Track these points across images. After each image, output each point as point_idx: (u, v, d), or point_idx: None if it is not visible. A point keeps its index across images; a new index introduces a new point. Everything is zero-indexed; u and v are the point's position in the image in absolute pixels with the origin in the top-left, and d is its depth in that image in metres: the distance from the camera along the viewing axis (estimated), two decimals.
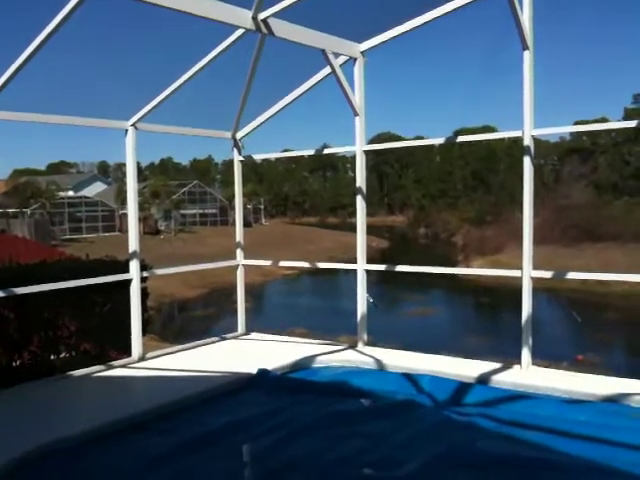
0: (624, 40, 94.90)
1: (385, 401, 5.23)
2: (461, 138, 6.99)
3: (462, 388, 5.34)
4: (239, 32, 5.51)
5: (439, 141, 6.95)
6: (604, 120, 54.99)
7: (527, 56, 5.64)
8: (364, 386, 5.54)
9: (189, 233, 53.18)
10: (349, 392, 5.47)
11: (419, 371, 5.76)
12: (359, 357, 6.39)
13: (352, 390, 5.50)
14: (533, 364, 5.80)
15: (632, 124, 5.78)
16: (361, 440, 4.47)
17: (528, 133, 5.69)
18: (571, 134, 62.30)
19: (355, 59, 6.60)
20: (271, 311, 25.98)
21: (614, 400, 4.86)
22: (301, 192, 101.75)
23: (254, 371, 5.84)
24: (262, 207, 66.54)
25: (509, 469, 3.91)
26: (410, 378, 5.62)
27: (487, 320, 26.42)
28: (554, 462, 3.90)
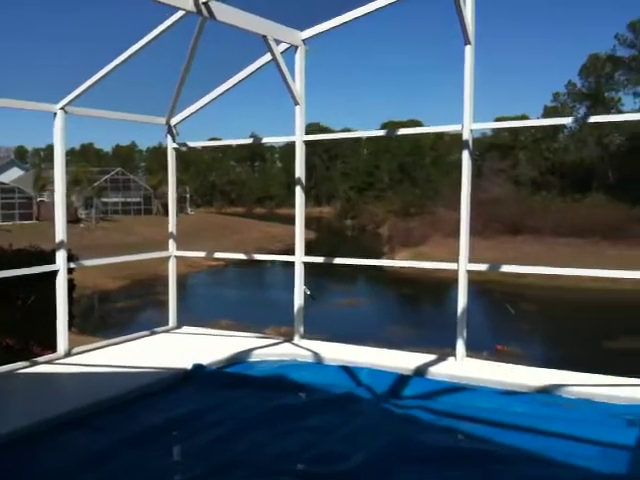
0: (541, 41, 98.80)
1: (325, 395, 5.19)
2: (403, 131, 7.02)
3: (400, 380, 5.36)
4: (179, 14, 5.30)
5: (379, 133, 6.95)
6: (525, 117, 57.03)
7: (469, 51, 5.69)
8: (303, 380, 5.48)
9: (111, 222, 51.59)
10: (288, 386, 5.40)
11: (357, 364, 5.75)
12: (296, 350, 6.32)
13: (291, 384, 5.43)
14: (467, 356, 5.92)
15: (564, 120, 5.93)
16: (303, 434, 4.41)
17: (468, 127, 5.75)
18: (492, 130, 64.24)
19: (296, 47, 6.49)
20: (196, 303, 25.59)
21: (547, 391, 4.99)
22: (228, 181, 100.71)
23: (189, 366, 5.67)
24: (187, 196, 65.35)
25: (450, 461, 3.94)
26: (349, 371, 5.60)
27: (411, 311, 27.02)
28: (494, 453, 3.96)
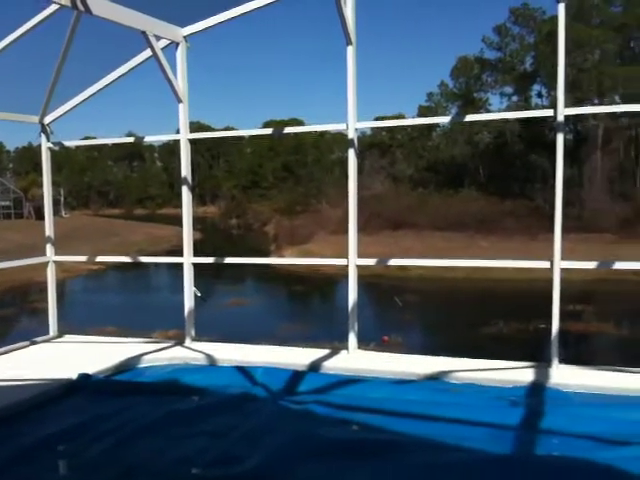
0: (415, 42, 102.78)
1: (220, 397, 5.12)
2: (290, 129, 7.05)
3: (295, 377, 5.40)
4: (53, 8, 5.01)
5: (266, 132, 6.94)
6: (401, 117, 59.12)
7: (350, 51, 5.81)
8: (196, 383, 5.37)
9: None
10: (181, 390, 5.28)
11: (251, 363, 5.72)
12: (188, 353, 6.20)
13: (184, 388, 5.31)
14: (358, 348, 6.06)
15: (445, 119, 6.19)
16: (199, 439, 4.32)
17: (352, 126, 5.87)
18: (372, 129, 66.14)
19: (177, 44, 6.35)
20: (77, 310, 24.40)
21: (436, 378, 5.21)
22: (105, 182, 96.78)
23: (74, 376, 5.40)
24: (62, 198, 62.19)
25: (348, 453, 4.01)
26: (243, 371, 5.57)
27: (302, 307, 27.26)
28: (390, 442, 4.07)
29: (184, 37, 6.38)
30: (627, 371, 5.13)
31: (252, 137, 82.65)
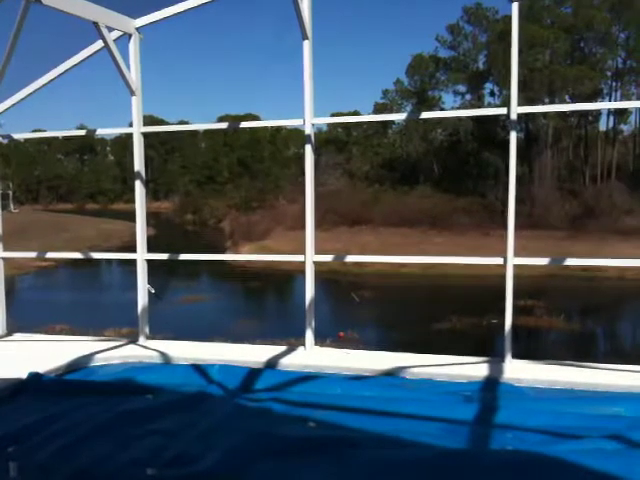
0: (371, 39, 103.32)
1: (175, 395, 5.04)
2: (246, 124, 7.00)
3: (252, 374, 5.36)
4: None
5: (221, 126, 6.86)
6: (357, 113, 59.34)
7: (307, 45, 5.78)
8: (151, 382, 5.28)
9: None
10: (135, 389, 5.18)
11: (207, 361, 5.65)
12: (142, 351, 6.09)
13: (138, 387, 5.21)
14: (315, 344, 6.06)
15: (401, 117, 6.21)
16: (154, 438, 4.24)
17: (309, 122, 5.85)
18: (328, 126, 66.24)
19: (130, 35, 6.22)
20: (26, 308, 23.77)
21: (392, 373, 5.25)
22: (56, 176, 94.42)
23: (24, 375, 5.24)
24: (10, 193, 60.42)
25: (305, 450, 4.00)
26: (198, 369, 5.49)
27: (259, 304, 27.18)
28: (347, 438, 4.07)
29: (136, 28, 6.26)
30: (578, 365, 5.25)
31: (207, 132, 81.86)
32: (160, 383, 5.25)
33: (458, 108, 59.71)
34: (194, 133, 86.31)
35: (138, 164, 6.38)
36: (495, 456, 3.78)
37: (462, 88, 65.02)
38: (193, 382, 5.27)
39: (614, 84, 61.95)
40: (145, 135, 6.46)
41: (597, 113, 61.32)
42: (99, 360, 5.89)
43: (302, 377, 5.28)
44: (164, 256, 6.71)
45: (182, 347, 6.21)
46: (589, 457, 3.44)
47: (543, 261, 5.69)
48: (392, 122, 65.79)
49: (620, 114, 62.46)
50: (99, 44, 6.05)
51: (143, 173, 6.43)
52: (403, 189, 55.08)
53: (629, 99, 55.83)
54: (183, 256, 6.58)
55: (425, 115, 7.19)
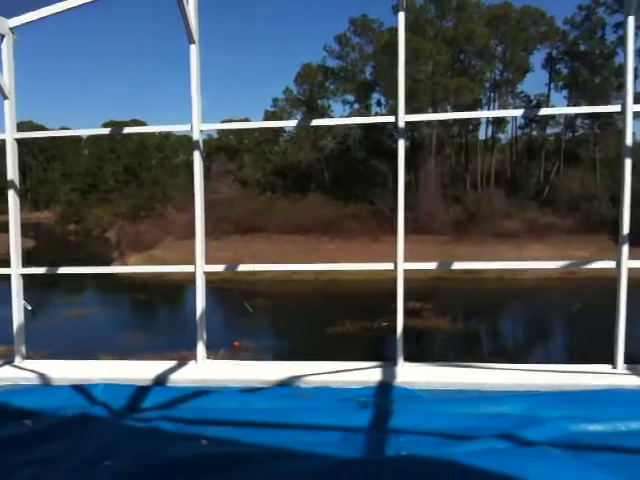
0: (264, 50, 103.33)
1: (55, 419, 4.69)
2: (141, 128, 6.68)
3: (139, 392, 5.09)
4: None
5: (103, 131, 6.53)
6: (247, 120, 59.20)
7: (194, 50, 5.62)
8: (28, 405, 4.88)
9: None
10: (10, 415, 4.77)
11: (91, 380, 5.32)
12: (19, 373, 5.64)
13: (14, 412, 4.80)
14: (210, 357, 5.87)
15: (292, 123, 6.16)
16: (33, 468, 3.91)
17: (197, 127, 5.68)
18: (219, 132, 65.59)
19: (3, 36, 5.81)
20: None
21: (287, 384, 5.16)
22: None
23: None
24: None
25: (200, 470, 3.83)
26: (81, 390, 5.15)
27: (147, 317, 26.29)
28: (242, 454, 3.94)
29: (10, 29, 5.86)
30: (467, 366, 5.40)
31: (91, 138, 78.57)
32: (39, 407, 4.87)
33: (347, 117, 60.97)
34: (77, 140, 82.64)
35: (11, 172, 5.93)
36: (390, 462, 3.78)
37: (350, 97, 66.53)
38: (75, 404, 4.93)
39: (492, 95, 65.66)
40: (21, 142, 6.04)
41: (477, 122, 64.71)
42: None
43: (193, 392, 5.07)
44: (42, 270, 6.28)
45: (63, 366, 5.82)
46: (482, 458, 3.51)
47: (432, 265, 5.82)
48: (283, 130, 66.18)
49: (498, 123, 66.30)
50: None
51: (17, 181, 6.00)
52: (295, 196, 55.47)
53: (506, 109, 59.36)
54: (63, 269, 6.17)
55: (316, 122, 7.18)
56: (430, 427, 4.11)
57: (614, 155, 58.72)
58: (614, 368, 5.24)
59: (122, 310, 27.95)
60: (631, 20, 4.95)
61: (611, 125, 61.89)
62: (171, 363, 5.76)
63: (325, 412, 4.50)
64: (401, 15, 5.21)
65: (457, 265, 5.75)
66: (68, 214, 69.17)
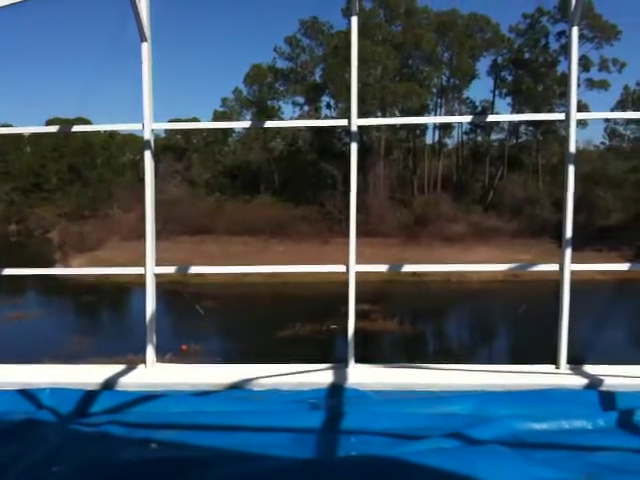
0: (213, 49, 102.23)
1: (1, 424, 4.55)
2: (90, 127, 6.53)
3: (87, 397, 4.98)
4: None
5: (50, 129, 6.38)
6: (196, 120, 58.63)
7: (145, 48, 5.54)
8: None
9: None
10: None
11: (36, 385, 5.17)
12: None
13: None
14: (157, 361, 5.78)
15: (245, 124, 6.17)
16: None
17: (148, 127, 5.61)
18: (166, 132, 64.64)
19: None
20: None
21: (238, 386, 5.14)
22: None
23: None
24: None
25: (150, 474, 3.79)
26: (26, 394, 5.01)
27: (93, 320, 25.69)
28: (193, 458, 3.91)
29: None
30: (417, 367, 5.48)
31: (33, 136, 76.32)
32: None
33: (297, 119, 61.03)
34: (18, 137, 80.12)
35: None
36: (341, 463, 3.81)
37: (300, 99, 66.61)
38: (20, 409, 4.79)
39: (439, 100, 66.82)
40: None
41: (424, 127, 65.71)
42: None
43: (143, 396, 5.00)
44: None
45: (6, 370, 5.64)
46: (432, 456, 3.58)
47: (383, 267, 5.89)
48: (232, 130, 65.75)
49: (444, 128, 67.49)
50: None
51: None
52: (244, 198, 55.22)
53: (452, 114, 60.52)
54: (6, 271, 5.99)
55: (270, 124, 7.20)
56: (381, 427, 4.17)
57: (556, 161, 60.66)
58: (557, 368, 5.41)
59: (66, 313, 27.25)
60: (575, 30, 5.12)
61: (553, 132, 63.86)
62: (120, 367, 5.66)
63: (276, 414, 4.51)
64: (354, 19, 5.26)
65: (407, 267, 5.83)
66: (9, 214, 67.01)
